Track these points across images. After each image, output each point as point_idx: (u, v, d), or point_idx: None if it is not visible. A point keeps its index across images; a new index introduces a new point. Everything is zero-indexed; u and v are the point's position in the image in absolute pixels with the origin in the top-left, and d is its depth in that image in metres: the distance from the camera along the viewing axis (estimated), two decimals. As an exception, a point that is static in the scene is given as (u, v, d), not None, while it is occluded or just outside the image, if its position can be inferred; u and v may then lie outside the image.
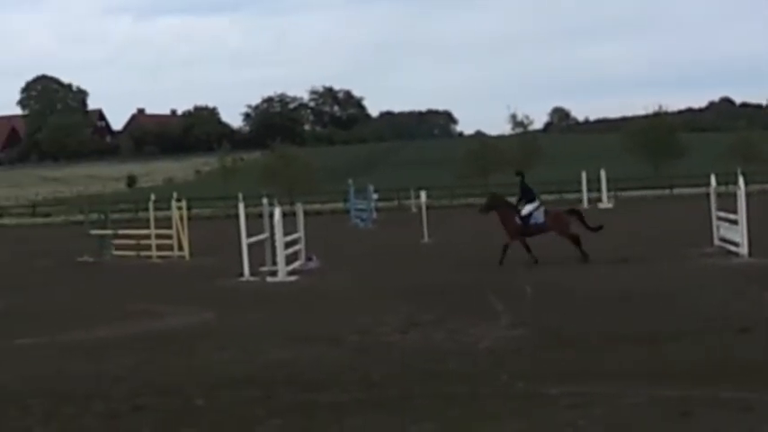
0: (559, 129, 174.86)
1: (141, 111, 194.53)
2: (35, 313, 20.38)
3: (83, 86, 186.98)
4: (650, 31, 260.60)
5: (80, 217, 61.23)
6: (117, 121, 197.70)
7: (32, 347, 15.83)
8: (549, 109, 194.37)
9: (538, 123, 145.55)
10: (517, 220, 25.84)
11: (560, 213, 26.92)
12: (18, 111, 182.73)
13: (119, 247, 34.85)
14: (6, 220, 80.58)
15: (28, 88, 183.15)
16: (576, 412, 10.00)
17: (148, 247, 33.66)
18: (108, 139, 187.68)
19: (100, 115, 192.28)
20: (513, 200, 26.53)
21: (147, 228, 34.89)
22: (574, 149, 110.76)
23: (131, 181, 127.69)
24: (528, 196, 26.31)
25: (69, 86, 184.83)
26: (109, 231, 35.96)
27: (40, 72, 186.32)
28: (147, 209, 40.04)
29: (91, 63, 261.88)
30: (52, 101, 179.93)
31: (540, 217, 25.92)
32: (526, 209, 25.99)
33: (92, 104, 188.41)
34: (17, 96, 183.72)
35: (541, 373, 11.88)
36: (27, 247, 43.49)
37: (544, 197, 66.64)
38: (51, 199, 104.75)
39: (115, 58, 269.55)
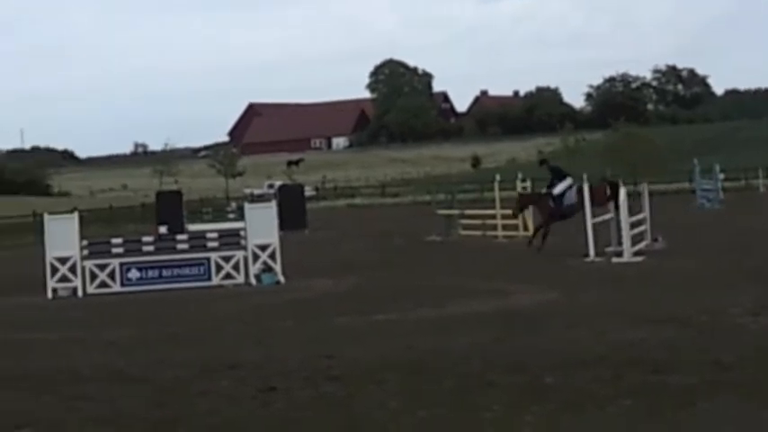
0: None
1: (484, 92, 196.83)
2: (388, 290, 21.12)
3: (428, 69, 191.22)
4: None
5: (427, 197, 62.86)
6: (461, 103, 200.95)
7: (386, 323, 16.42)
8: None
9: None
10: (551, 204, 25.99)
11: (593, 187, 26.37)
12: (367, 94, 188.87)
13: (465, 227, 35.56)
14: (358, 200, 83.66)
15: (376, 72, 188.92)
16: None
17: (494, 227, 34.14)
18: (452, 120, 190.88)
19: (444, 97, 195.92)
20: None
21: (493, 208, 35.36)
22: None
23: (476, 162, 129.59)
24: (559, 176, 26.38)
25: (415, 70, 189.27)
26: (455, 211, 36.73)
27: (387, 56, 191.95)
28: (491, 189, 40.54)
29: (436, 46, 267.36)
30: (399, 84, 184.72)
31: (572, 197, 25.90)
32: (558, 188, 26.05)
33: (437, 87, 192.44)
34: (366, 80, 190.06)
35: None
36: (378, 227, 45.04)
37: None
38: (399, 179, 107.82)
39: (459, 41, 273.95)
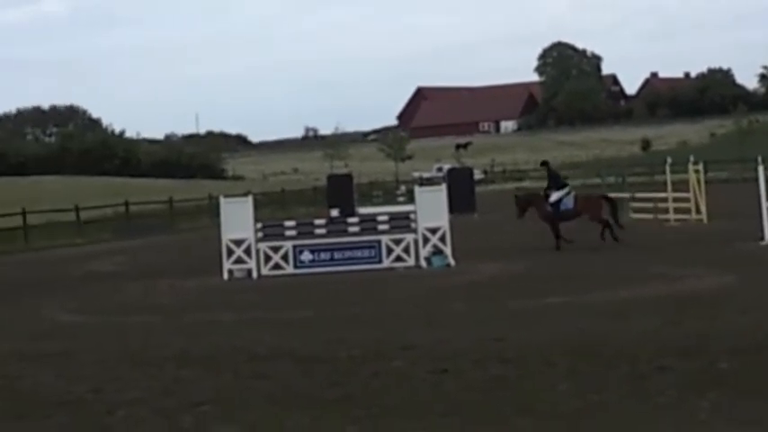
0: None
1: (654, 74, 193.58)
2: (558, 274, 21.04)
3: (597, 52, 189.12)
4: None
5: (597, 180, 62.22)
6: (630, 86, 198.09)
7: (557, 306, 16.37)
8: None
9: None
10: (547, 207, 26.18)
11: (591, 197, 27.20)
12: (535, 77, 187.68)
13: (636, 210, 35.15)
14: (527, 183, 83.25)
15: (544, 55, 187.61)
16: None
17: (665, 210, 33.65)
18: (622, 103, 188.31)
19: (614, 80, 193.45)
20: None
21: (664, 191, 34.82)
22: None
23: (646, 144, 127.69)
24: (556, 183, 26.72)
25: (584, 52, 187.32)
26: (626, 194, 36.31)
27: (555, 39, 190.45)
28: (662, 172, 39.88)
29: (605, 28, 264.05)
30: (568, 67, 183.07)
31: (569, 203, 26.07)
32: (554, 196, 26.20)
33: (605, 69, 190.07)
34: (534, 63, 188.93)
35: None
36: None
37: None
38: (568, 163, 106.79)
39: (628, 23, 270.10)
